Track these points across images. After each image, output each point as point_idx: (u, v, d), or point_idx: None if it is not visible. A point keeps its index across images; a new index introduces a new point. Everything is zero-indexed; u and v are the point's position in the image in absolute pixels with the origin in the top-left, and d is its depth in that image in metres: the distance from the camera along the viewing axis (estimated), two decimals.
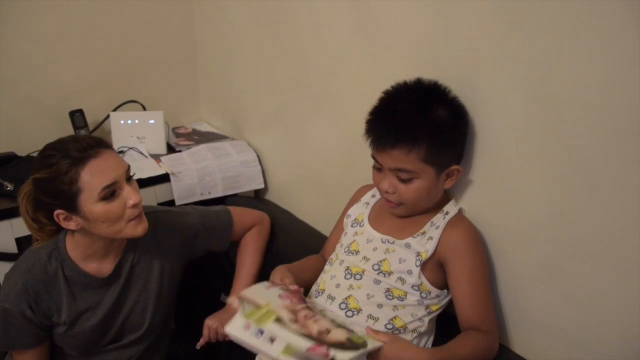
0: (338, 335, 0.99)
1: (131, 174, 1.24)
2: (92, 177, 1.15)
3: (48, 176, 1.15)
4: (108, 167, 1.17)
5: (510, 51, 1.05)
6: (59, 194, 1.15)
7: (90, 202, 1.15)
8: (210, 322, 1.44)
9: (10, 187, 1.64)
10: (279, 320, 1.00)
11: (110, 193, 1.17)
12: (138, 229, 1.23)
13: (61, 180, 1.14)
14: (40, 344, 1.30)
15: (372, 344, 1.00)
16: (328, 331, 0.99)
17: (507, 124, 1.10)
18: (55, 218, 1.19)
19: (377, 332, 1.05)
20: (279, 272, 1.22)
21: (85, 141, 1.17)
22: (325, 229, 1.59)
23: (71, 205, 1.16)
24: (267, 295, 1.08)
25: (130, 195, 1.19)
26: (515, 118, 1.08)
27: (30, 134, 1.89)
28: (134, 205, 1.20)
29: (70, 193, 1.14)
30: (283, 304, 1.05)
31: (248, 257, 1.54)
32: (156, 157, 1.89)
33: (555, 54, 0.98)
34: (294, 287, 1.14)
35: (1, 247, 1.60)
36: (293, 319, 1.01)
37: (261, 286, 1.13)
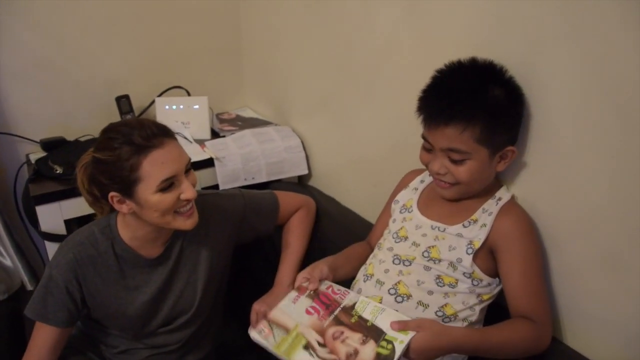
0: (366, 354, 1.00)
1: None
2: (153, 168, 1.14)
3: (109, 159, 1.14)
4: (170, 160, 1.15)
5: (568, 31, 1.00)
6: (117, 179, 1.14)
7: (147, 191, 1.15)
8: (257, 307, 1.43)
9: (59, 170, 1.67)
10: (307, 347, 1.04)
11: (168, 185, 1.16)
12: (187, 222, 1.23)
13: (121, 166, 1.13)
14: (65, 326, 1.28)
15: (400, 346, 0.99)
16: (356, 352, 1.01)
17: (565, 106, 1.05)
18: (110, 199, 1.19)
19: (404, 323, 1.01)
20: (313, 270, 1.20)
21: (151, 129, 1.15)
22: (370, 215, 1.57)
23: (127, 191, 1.16)
24: (295, 313, 1.12)
25: (185, 190, 1.19)
26: (573, 100, 1.03)
27: (78, 119, 1.94)
28: (187, 200, 1.20)
29: (129, 180, 1.14)
30: (311, 322, 1.09)
31: (293, 241, 1.52)
32: (200, 142, 1.90)
33: (616, 34, 0.92)
34: (326, 284, 1.16)
35: (51, 228, 1.63)
36: (321, 341, 1.05)
37: (288, 301, 1.15)
